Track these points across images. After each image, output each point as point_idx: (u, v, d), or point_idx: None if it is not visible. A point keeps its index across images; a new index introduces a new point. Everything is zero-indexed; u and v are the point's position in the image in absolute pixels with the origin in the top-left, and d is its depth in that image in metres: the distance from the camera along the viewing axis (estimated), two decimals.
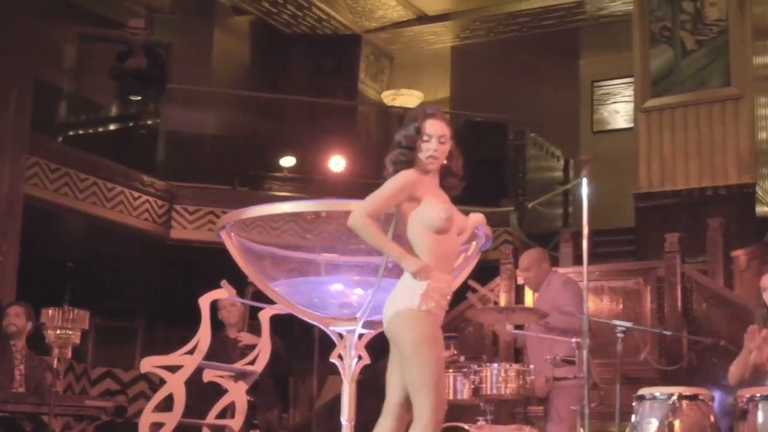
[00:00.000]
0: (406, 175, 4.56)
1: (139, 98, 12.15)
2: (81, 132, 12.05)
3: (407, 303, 4.50)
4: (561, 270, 8.17)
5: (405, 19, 14.95)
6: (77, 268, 11.22)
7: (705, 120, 11.81)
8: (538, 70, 15.58)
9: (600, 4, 14.26)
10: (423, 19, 14.92)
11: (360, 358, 5.60)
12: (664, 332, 7.72)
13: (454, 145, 4.71)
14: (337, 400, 9.55)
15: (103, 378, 12.03)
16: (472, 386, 6.96)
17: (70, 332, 8.80)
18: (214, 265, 11.42)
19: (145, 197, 11.20)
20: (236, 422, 6.27)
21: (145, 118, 12.11)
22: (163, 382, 10.02)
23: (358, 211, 4.59)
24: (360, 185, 12.19)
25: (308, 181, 12.35)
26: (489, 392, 6.82)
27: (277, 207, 5.69)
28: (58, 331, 7.86)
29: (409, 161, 4.61)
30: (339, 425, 5.33)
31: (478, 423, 6.68)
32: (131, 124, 12.17)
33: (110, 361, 12.79)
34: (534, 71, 15.54)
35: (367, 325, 5.57)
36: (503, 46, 15.35)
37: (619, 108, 16.11)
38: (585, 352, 5.56)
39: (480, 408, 6.94)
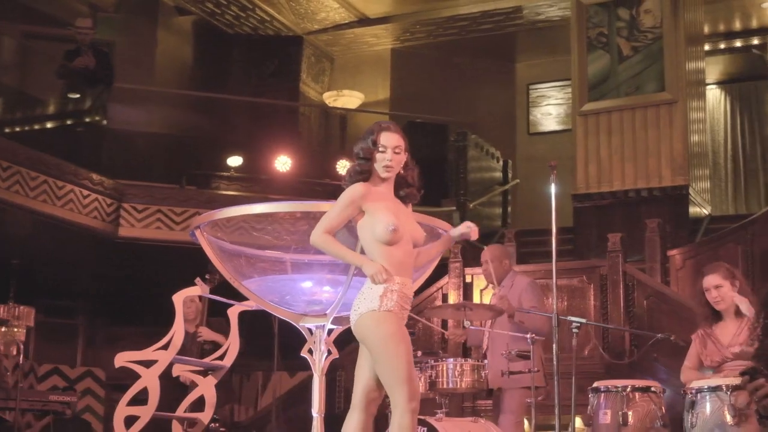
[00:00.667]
0: (352, 190, 4.92)
1: (87, 97, 12.15)
2: (26, 129, 12.01)
3: (368, 305, 4.80)
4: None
5: (346, 22, 15.14)
6: (22, 265, 11.35)
7: (640, 124, 12.23)
8: (475, 73, 15.92)
9: (537, 9, 14.60)
10: (364, 21, 15.12)
11: (329, 352, 5.86)
12: (625, 329, 8.08)
13: (409, 157, 5.02)
14: (287, 394, 9.82)
15: (50, 375, 12.08)
16: (429, 380, 7.23)
17: (16, 329, 8.96)
18: (162, 262, 11.66)
19: (94, 195, 11.23)
20: (205, 415, 6.46)
21: (92, 116, 12.12)
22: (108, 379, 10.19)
23: (317, 230, 4.93)
24: (305, 184, 12.46)
25: (255, 181, 12.51)
26: (445, 386, 7.10)
27: (249, 208, 5.88)
28: (4, 329, 8.01)
29: (365, 171, 4.96)
30: (294, 417, 5.57)
31: (437, 416, 6.94)
32: (78, 123, 12.17)
33: (53, 357, 12.84)
34: (472, 74, 15.88)
35: (336, 321, 5.84)
36: (442, 49, 15.63)
37: (551, 110, 16.51)
38: (554, 347, 5.83)
39: (436, 401, 7.21)
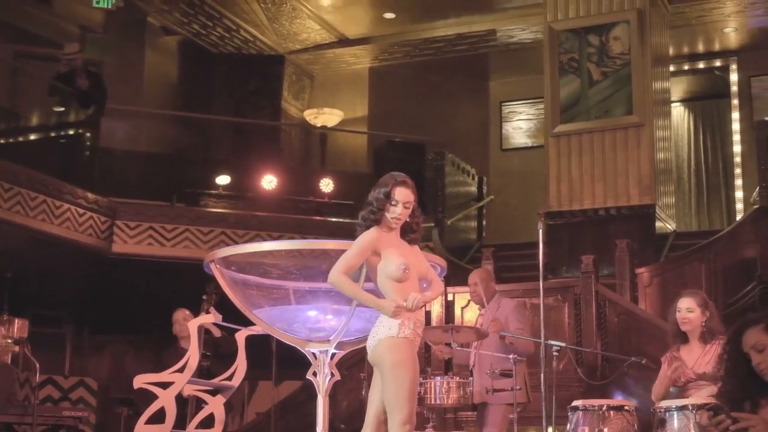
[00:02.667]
0: (368, 236, 5.42)
1: (78, 115, 12.58)
2: (21, 148, 12.42)
3: (387, 332, 5.36)
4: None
5: (327, 42, 15.67)
6: (15, 278, 11.76)
7: (609, 145, 12.82)
8: (450, 91, 16.51)
9: (510, 33, 15.20)
10: (344, 42, 15.66)
11: (332, 375, 6.41)
12: (601, 353, 8.67)
13: (416, 206, 5.58)
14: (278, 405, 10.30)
15: (45, 384, 12.45)
16: (418, 396, 7.78)
17: (10, 340, 9.42)
18: (152, 277, 12.12)
19: (89, 214, 11.68)
20: (215, 431, 6.98)
21: (85, 135, 12.55)
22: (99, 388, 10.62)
23: (335, 271, 5.42)
24: (289, 201, 12.97)
25: (242, 198, 13.00)
26: (433, 402, 7.62)
27: (259, 246, 6.45)
28: (11, 344, 8.48)
29: (377, 220, 5.46)
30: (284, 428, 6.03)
31: (426, 429, 7.50)
32: (71, 142, 12.61)
33: (44, 367, 13.24)
34: (447, 92, 16.47)
35: (338, 346, 6.40)
36: (419, 68, 16.22)
37: (522, 125, 17.11)
38: (542, 374, 6.32)
39: (424, 415, 7.77)
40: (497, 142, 16.92)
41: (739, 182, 15.41)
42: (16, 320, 10.77)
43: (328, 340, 6.31)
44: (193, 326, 6.69)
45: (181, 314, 9.06)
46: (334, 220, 13.08)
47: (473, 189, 15.11)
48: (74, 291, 13.28)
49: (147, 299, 12.53)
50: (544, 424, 6.25)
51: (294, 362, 10.26)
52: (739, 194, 15.35)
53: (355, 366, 10.28)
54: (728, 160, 15.88)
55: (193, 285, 7.50)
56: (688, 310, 6.67)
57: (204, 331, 8.55)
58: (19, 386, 8.61)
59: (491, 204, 15.74)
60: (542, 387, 6.32)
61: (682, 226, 14.55)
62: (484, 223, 15.39)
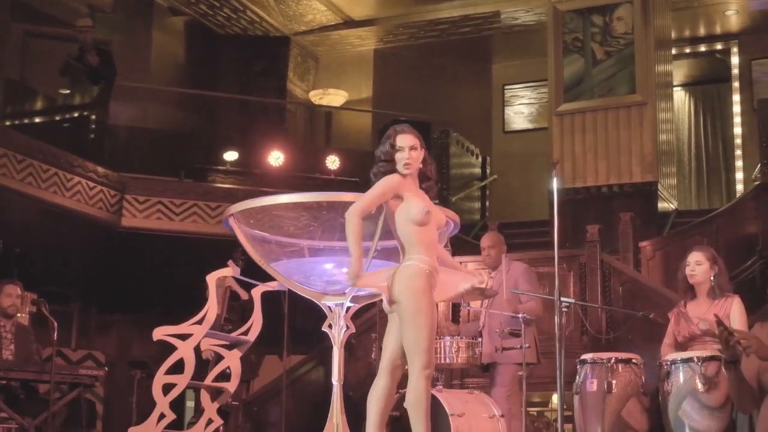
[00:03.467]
0: (391, 178, 5.51)
1: (88, 93, 12.71)
2: (34, 123, 12.58)
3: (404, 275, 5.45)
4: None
5: (332, 23, 15.81)
6: (23, 253, 11.89)
7: (612, 124, 13.00)
8: (454, 74, 16.66)
9: (514, 14, 15.34)
10: (349, 23, 15.81)
11: (347, 327, 6.57)
12: (609, 308, 8.83)
13: (426, 153, 5.70)
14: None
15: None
16: None
17: (19, 314, 9.51)
18: (161, 252, 12.24)
19: (99, 187, 11.82)
20: (232, 385, 7.14)
21: (95, 112, 12.68)
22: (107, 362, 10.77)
23: (353, 208, 5.49)
24: (296, 178, 13.10)
25: (249, 174, 13.13)
26: (442, 361, 7.77)
27: (276, 198, 6.57)
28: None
29: (388, 172, 5.56)
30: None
31: (437, 387, 7.65)
32: (81, 119, 12.74)
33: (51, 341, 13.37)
34: (450, 74, 16.61)
35: (354, 299, 6.55)
36: (423, 50, 16.36)
37: (524, 110, 17.26)
38: (557, 324, 6.45)
39: (434, 376, 7.91)
40: (500, 124, 17.08)
41: (739, 164, 15.58)
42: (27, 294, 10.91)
43: (344, 293, 6.46)
44: (211, 279, 6.83)
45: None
46: (338, 218, 13.16)
47: (477, 170, 15.28)
48: (82, 267, 13.37)
49: (154, 277, 12.68)
50: (559, 374, 6.36)
51: (300, 339, 10.50)
52: (739, 175, 15.52)
53: (363, 333, 10.46)
54: (728, 143, 16.04)
55: (200, 261, 7.61)
56: (697, 263, 6.79)
57: (230, 294, 8.75)
58: (36, 348, 8.74)
59: (494, 185, 15.89)
60: (556, 336, 6.43)
61: (683, 207, 14.71)
62: (487, 204, 15.55)
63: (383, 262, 6.32)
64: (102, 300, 14.40)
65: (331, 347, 6.49)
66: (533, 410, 10.84)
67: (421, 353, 5.32)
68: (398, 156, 5.54)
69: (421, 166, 5.62)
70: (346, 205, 6.18)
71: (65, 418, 8.45)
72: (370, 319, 10.08)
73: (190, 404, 11.60)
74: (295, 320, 10.79)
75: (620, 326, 9.14)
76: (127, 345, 14.08)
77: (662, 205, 12.94)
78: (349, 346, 10.16)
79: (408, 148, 5.53)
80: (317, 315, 6.67)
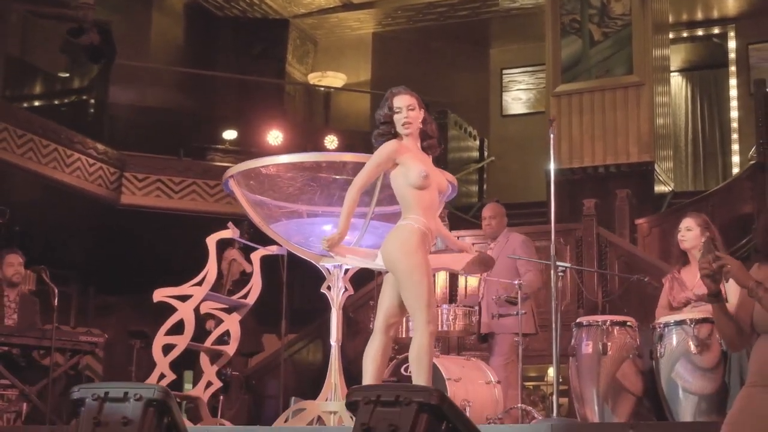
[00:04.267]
0: (386, 147, 5.57)
1: (88, 72, 12.78)
2: (35, 101, 12.64)
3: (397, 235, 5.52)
4: None
5: (331, 6, 15.88)
6: (24, 232, 11.95)
7: (609, 104, 13.08)
8: (452, 58, 16.72)
9: None
10: (348, 6, 15.89)
11: (345, 289, 6.64)
12: (601, 271, 8.91)
13: (426, 112, 5.75)
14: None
15: None
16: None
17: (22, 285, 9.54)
18: (160, 230, 12.28)
19: (99, 164, 11.91)
20: (231, 348, 7.20)
21: (95, 91, 12.75)
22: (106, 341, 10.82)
23: (354, 186, 5.57)
24: None
25: (248, 153, 13.17)
26: (440, 329, 7.84)
27: (276, 159, 6.65)
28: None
29: (388, 134, 5.62)
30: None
31: (435, 352, 7.71)
32: (81, 97, 12.82)
33: (49, 321, 13.42)
34: (449, 59, 16.68)
35: None
36: (421, 34, 16.43)
37: (521, 95, 17.35)
38: (553, 289, 6.55)
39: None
40: (497, 108, 17.14)
41: (735, 147, 15.66)
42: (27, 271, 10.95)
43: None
44: (211, 241, 6.89)
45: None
46: (337, 178, 13.24)
47: (475, 152, 15.36)
48: (81, 246, 13.45)
49: (153, 255, 12.74)
50: (555, 336, 6.44)
51: (298, 319, 10.57)
52: (735, 159, 15.60)
53: (361, 308, 10.54)
54: (725, 127, 16.13)
55: (198, 239, 7.63)
56: (687, 228, 6.85)
57: (232, 264, 8.83)
58: (39, 317, 8.81)
59: (492, 168, 15.97)
60: (552, 303, 6.52)
61: (679, 189, 14.78)
62: (485, 187, 15.62)
63: (382, 223, 6.41)
64: (101, 281, 14.48)
65: (327, 325, 6.56)
66: (530, 384, 10.93)
67: (423, 309, 5.35)
68: (396, 117, 5.58)
69: (420, 125, 5.66)
70: (346, 165, 6.31)
71: (65, 385, 8.51)
72: (368, 294, 10.15)
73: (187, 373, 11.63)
74: (294, 300, 10.91)
75: (616, 292, 9.24)
76: (125, 328, 14.13)
77: (659, 188, 13.01)
78: (347, 320, 10.26)
79: (405, 108, 5.57)
80: (315, 295, 6.73)
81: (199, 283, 6.83)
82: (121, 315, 14.39)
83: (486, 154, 15.57)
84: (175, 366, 6.85)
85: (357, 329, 10.58)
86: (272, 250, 7.14)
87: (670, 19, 14.83)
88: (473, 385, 7.55)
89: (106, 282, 14.53)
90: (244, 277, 9.30)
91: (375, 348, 5.53)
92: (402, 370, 7.73)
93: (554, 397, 6.59)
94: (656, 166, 12.95)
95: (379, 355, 5.52)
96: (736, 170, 15.41)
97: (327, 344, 10.94)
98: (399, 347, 8.38)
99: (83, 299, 14.63)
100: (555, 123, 6.95)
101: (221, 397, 8.97)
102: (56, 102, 12.69)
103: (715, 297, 4.18)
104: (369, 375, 5.46)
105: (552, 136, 6.63)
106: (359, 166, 6.20)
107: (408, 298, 5.40)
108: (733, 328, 4.23)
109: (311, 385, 9.97)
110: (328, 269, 6.61)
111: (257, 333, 12.81)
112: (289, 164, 6.40)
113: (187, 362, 8.02)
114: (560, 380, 6.88)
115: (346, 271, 6.64)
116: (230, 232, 6.79)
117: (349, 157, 6.38)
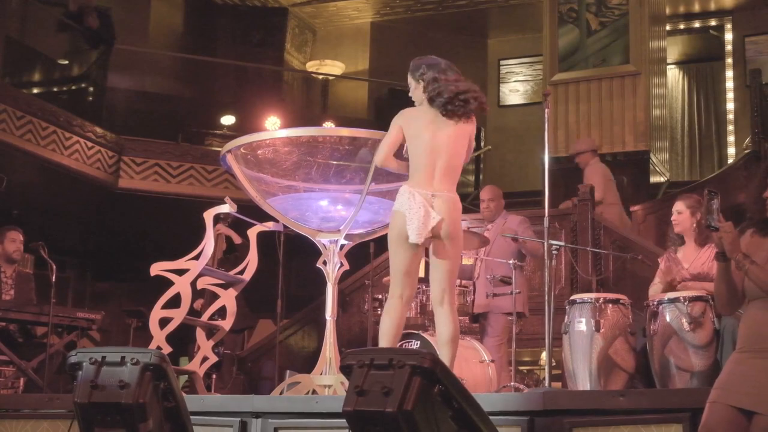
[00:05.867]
0: (395, 119, 5.81)
1: (88, 56, 12.81)
2: (34, 84, 12.66)
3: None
4: None
5: None
6: (21, 216, 11.98)
7: (606, 93, 13.14)
8: (450, 48, 16.70)
9: None
10: None
11: (341, 264, 6.69)
12: (595, 250, 8.97)
13: (431, 76, 5.88)
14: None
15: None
16: (419, 304, 8.10)
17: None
18: (157, 215, 12.31)
19: (97, 147, 11.94)
20: (227, 323, 7.25)
21: (94, 76, 12.79)
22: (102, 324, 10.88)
23: (377, 158, 5.77)
24: None
25: None
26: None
27: (273, 133, 6.73)
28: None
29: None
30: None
31: (429, 331, 7.78)
32: (81, 81, 12.85)
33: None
34: (446, 48, 16.62)
35: (348, 237, 6.68)
36: (419, 24, 16.47)
37: (519, 87, 17.40)
38: (547, 270, 6.61)
39: (425, 325, 8.05)
40: (494, 98, 17.19)
41: (731, 139, 15.71)
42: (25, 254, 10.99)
43: (338, 230, 6.59)
44: (208, 215, 6.94)
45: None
46: (335, 163, 13.30)
47: None
48: (79, 230, 13.50)
49: (150, 242, 12.79)
50: (547, 319, 6.50)
51: (294, 306, 10.62)
52: (731, 150, 15.65)
53: (356, 291, 10.61)
54: (721, 119, 16.17)
55: (195, 224, 7.68)
56: (678, 212, 6.98)
57: (225, 240, 8.88)
58: (35, 295, 8.87)
59: (488, 158, 16.02)
60: (546, 280, 6.59)
61: (674, 179, 14.85)
62: (481, 177, 15.67)
63: (378, 199, 6.48)
64: (98, 266, 14.53)
65: (321, 309, 6.61)
66: (523, 368, 10.98)
67: (453, 288, 5.68)
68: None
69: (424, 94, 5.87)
70: (342, 139, 6.37)
71: (61, 363, 8.56)
72: (362, 276, 10.20)
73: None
74: (290, 287, 10.96)
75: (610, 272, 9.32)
76: (121, 314, 14.18)
77: (654, 178, 13.08)
78: (342, 303, 10.32)
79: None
80: (310, 281, 6.77)
81: (196, 258, 6.87)
82: (118, 301, 14.44)
83: (483, 143, 15.60)
84: (171, 341, 6.91)
85: (352, 312, 10.65)
86: (269, 226, 7.19)
87: (667, 10, 14.89)
88: (467, 363, 7.62)
89: (103, 268, 14.58)
90: (234, 252, 9.38)
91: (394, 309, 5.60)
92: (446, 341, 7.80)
93: (546, 369, 6.65)
94: (652, 157, 13.01)
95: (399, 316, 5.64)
96: (731, 161, 15.47)
97: (321, 327, 11.04)
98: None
99: (80, 284, 14.68)
100: (550, 98, 6.90)
101: (213, 375, 9.04)
102: (55, 86, 12.70)
103: (723, 256, 4.26)
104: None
105: (547, 111, 6.62)
106: (355, 140, 6.30)
107: (451, 272, 5.58)
108: (731, 290, 4.30)
109: (306, 368, 10.05)
110: (324, 244, 6.66)
111: (246, 309, 12.93)
112: (286, 139, 6.44)
113: (182, 347, 8.08)
114: (553, 363, 6.96)
115: (342, 246, 6.70)
116: (227, 207, 6.83)
117: (345, 131, 6.44)
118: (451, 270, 5.57)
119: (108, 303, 14.44)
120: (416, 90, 5.86)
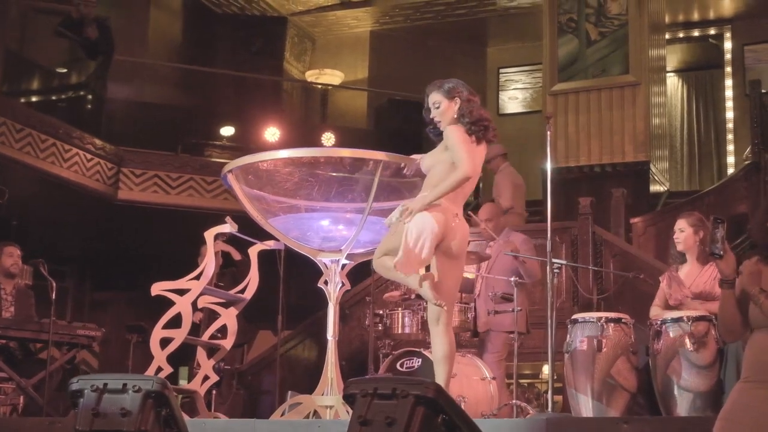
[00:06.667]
0: (458, 132, 5.84)
1: (87, 67, 12.78)
2: (33, 95, 12.65)
3: None
4: None
5: (329, 4, 15.91)
6: (20, 227, 11.97)
7: (606, 103, 13.14)
8: (449, 57, 16.75)
9: None
10: (345, 4, 15.93)
11: (342, 284, 6.67)
12: (596, 269, 8.96)
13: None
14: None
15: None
16: (420, 321, 8.07)
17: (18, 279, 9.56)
18: (156, 226, 12.28)
19: (96, 159, 11.91)
20: (227, 342, 7.24)
21: (93, 86, 12.76)
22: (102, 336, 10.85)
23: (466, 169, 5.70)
24: None
25: (245, 150, 13.19)
26: None
27: (275, 153, 6.69)
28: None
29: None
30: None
31: (430, 349, 7.75)
32: (80, 92, 12.82)
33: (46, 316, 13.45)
34: (446, 57, 16.70)
35: (349, 257, 6.66)
36: (418, 32, 16.47)
37: (518, 95, 17.39)
38: (549, 288, 6.60)
39: (426, 341, 8.02)
40: (494, 107, 17.18)
41: (730, 148, 15.71)
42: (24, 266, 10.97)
43: (340, 250, 6.57)
44: (209, 235, 6.92)
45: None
46: (334, 174, 13.28)
47: None
48: (78, 243, 13.46)
49: (149, 251, 12.76)
50: (550, 334, 6.49)
51: (295, 316, 10.59)
52: (730, 159, 15.65)
53: (356, 305, 10.58)
54: (720, 128, 16.17)
55: (195, 235, 7.66)
56: (680, 230, 6.98)
57: (222, 256, 8.86)
58: (35, 311, 8.85)
59: (487, 167, 15.97)
60: (548, 298, 6.58)
61: (674, 189, 14.84)
62: (481, 185, 15.63)
63: (380, 219, 6.45)
64: (97, 276, 14.50)
65: (322, 322, 6.59)
66: (524, 381, 10.97)
67: (452, 307, 5.93)
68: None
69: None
70: (343, 160, 6.35)
71: (62, 379, 8.54)
72: (363, 290, 10.17)
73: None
74: (290, 297, 10.93)
75: (611, 290, 9.30)
76: (121, 324, 14.15)
77: (654, 188, 13.08)
78: (342, 316, 10.27)
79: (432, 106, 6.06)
80: (311, 291, 6.76)
81: (197, 278, 6.86)
82: (117, 310, 14.42)
83: None
84: (170, 360, 6.89)
85: (352, 325, 10.63)
86: (270, 244, 7.18)
87: (667, 19, 14.90)
88: (468, 380, 7.61)
89: (102, 277, 14.55)
90: (224, 270, 9.35)
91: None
92: (398, 366, 7.80)
93: (549, 392, 6.65)
94: (652, 166, 13.01)
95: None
96: (731, 171, 15.46)
97: (322, 341, 11.01)
98: (395, 343, 8.45)
99: (79, 294, 14.64)
100: (552, 121, 6.89)
101: (214, 391, 9.02)
102: (54, 97, 12.67)
103: (728, 283, 4.26)
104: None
105: (549, 133, 6.62)
106: (356, 161, 6.28)
107: (453, 291, 5.84)
108: (736, 318, 4.29)
109: (306, 381, 10.04)
110: (325, 264, 6.64)
111: (246, 323, 12.91)
112: (287, 159, 6.42)
113: (183, 357, 8.04)
114: (555, 377, 6.95)
115: (344, 266, 6.68)
116: (228, 227, 6.82)
117: (346, 152, 6.42)
118: (454, 288, 5.69)
119: (107, 312, 14.45)
120: (448, 109, 5.93)
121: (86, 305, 14.63)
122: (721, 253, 4.24)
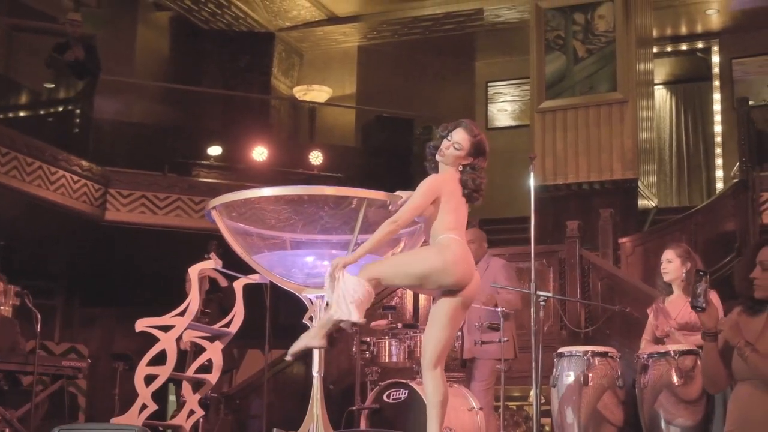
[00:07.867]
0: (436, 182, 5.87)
1: (73, 87, 12.77)
2: (18, 116, 12.63)
3: None
4: None
5: (317, 20, 15.88)
6: (8, 247, 11.95)
7: (593, 121, 13.12)
8: (438, 71, 16.75)
9: (497, 12, 15.44)
10: (333, 20, 15.87)
11: None
12: (586, 302, 8.94)
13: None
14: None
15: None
16: (407, 350, 8.05)
17: (2, 306, 9.61)
18: (144, 246, 12.28)
19: (83, 181, 11.90)
20: (213, 377, 7.21)
21: (79, 106, 12.74)
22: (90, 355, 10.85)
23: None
24: (280, 173, 13.19)
25: (233, 169, 13.21)
26: (421, 354, 7.85)
27: (258, 191, 6.65)
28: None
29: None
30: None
31: (417, 380, 7.73)
32: (66, 112, 12.81)
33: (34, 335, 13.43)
34: (434, 72, 16.71)
35: None
36: (407, 48, 16.44)
37: (507, 107, 17.38)
38: (533, 322, 6.58)
39: (413, 370, 8.00)
40: (482, 121, 17.17)
41: (719, 162, 15.73)
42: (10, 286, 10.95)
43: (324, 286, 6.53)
44: (193, 272, 6.90)
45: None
46: (318, 211, 13.24)
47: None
48: (66, 261, 13.46)
49: (137, 271, 12.75)
50: (535, 366, 6.47)
51: (283, 334, 10.53)
52: (719, 173, 15.66)
53: (343, 330, 10.52)
54: (709, 141, 16.18)
55: (183, 255, 7.67)
56: (668, 260, 6.94)
57: (209, 281, 8.84)
58: (21, 338, 8.81)
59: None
60: (532, 330, 6.55)
61: (663, 205, 14.84)
62: None
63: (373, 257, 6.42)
64: (85, 294, 14.47)
65: None
66: (512, 404, 10.95)
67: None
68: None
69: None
70: (327, 198, 6.31)
71: (47, 410, 8.51)
72: None
73: (171, 398, 11.69)
74: (279, 316, 10.89)
75: (599, 321, 9.24)
76: (110, 339, 14.14)
77: (642, 203, 13.07)
78: (330, 340, 10.23)
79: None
80: (300, 310, 6.73)
81: (182, 314, 6.83)
82: (106, 327, 14.39)
83: None
84: (158, 395, 6.87)
85: (340, 348, 10.59)
86: (255, 278, 7.14)
87: (654, 33, 14.90)
88: (456, 412, 7.57)
89: (91, 293, 14.52)
90: (211, 295, 9.33)
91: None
92: (385, 397, 7.77)
93: (534, 418, 6.61)
94: (640, 182, 13.00)
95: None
96: (719, 185, 15.48)
97: (310, 363, 10.99)
98: (382, 371, 8.43)
99: (68, 311, 14.62)
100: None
101: (200, 419, 8.98)
102: (41, 118, 12.65)
103: (710, 336, 4.25)
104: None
105: (532, 174, 6.59)
106: (340, 199, 6.25)
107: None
108: (720, 370, 4.29)
109: (294, 405, 10.01)
110: (310, 300, 6.60)
111: (240, 349, 12.88)
112: (271, 197, 6.38)
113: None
114: (542, 400, 6.93)
115: (328, 302, 6.64)
116: (212, 263, 6.79)
117: (331, 191, 6.37)
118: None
119: (96, 328, 14.42)
120: (462, 159, 5.81)
121: (75, 321, 14.62)
122: (704, 305, 4.24)
